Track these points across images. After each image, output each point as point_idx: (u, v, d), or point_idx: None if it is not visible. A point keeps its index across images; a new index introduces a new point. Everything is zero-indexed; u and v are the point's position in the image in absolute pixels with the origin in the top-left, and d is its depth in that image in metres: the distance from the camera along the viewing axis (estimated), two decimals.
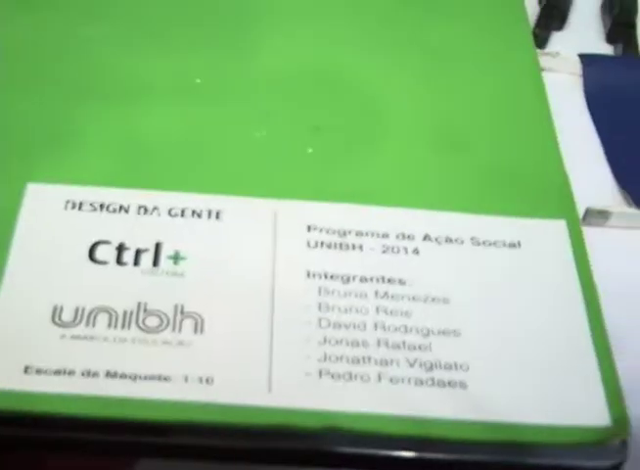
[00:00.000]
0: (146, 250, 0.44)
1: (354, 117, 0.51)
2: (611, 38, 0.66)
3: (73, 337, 0.41)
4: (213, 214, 0.46)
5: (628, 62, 0.63)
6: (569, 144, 0.54)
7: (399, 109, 0.51)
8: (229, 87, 0.51)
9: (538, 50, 0.62)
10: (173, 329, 0.42)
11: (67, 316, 0.41)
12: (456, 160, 0.49)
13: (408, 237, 0.46)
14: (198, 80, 0.51)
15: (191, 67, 0.52)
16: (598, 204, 0.55)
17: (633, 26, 0.66)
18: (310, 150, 0.49)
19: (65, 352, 0.40)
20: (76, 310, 0.42)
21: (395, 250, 0.45)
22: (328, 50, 0.54)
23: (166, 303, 0.42)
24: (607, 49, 0.66)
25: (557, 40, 0.66)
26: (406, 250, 0.45)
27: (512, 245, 0.46)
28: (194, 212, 0.46)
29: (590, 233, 0.50)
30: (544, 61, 0.62)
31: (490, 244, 0.46)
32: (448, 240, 0.46)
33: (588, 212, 0.54)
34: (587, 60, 0.63)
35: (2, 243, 0.43)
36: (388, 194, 0.47)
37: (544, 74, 0.60)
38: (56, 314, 0.41)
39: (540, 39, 0.65)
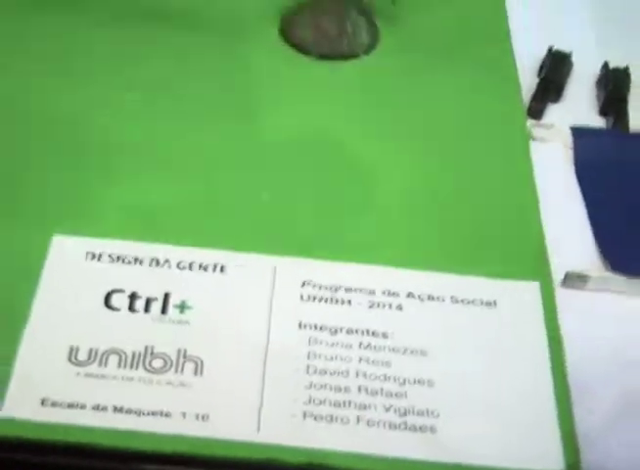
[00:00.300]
0: (155, 299, 0.49)
1: (349, 184, 0.56)
2: (603, 111, 0.70)
3: (87, 375, 0.46)
4: (218, 268, 0.51)
5: (616, 135, 0.68)
6: (556, 209, 0.59)
7: (390, 176, 0.56)
8: (237, 156, 0.57)
9: (534, 121, 0.67)
10: (176, 371, 0.47)
11: (82, 356, 0.47)
12: (440, 224, 0.54)
13: (393, 294, 0.51)
14: (208, 151, 0.57)
15: (204, 139, 0.58)
16: (578, 267, 0.59)
17: (624, 101, 0.70)
18: (308, 212, 0.54)
19: (78, 387, 0.46)
20: (90, 351, 0.47)
21: (381, 305, 0.50)
22: (327, 124, 0.59)
23: (171, 347, 0.47)
24: (599, 121, 0.70)
25: (553, 111, 0.71)
26: (391, 306, 0.50)
27: (488, 303, 0.51)
28: (201, 266, 0.51)
29: (570, 295, 0.55)
30: (539, 131, 0.67)
31: (469, 302, 0.51)
32: (430, 298, 0.51)
33: (568, 276, 0.58)
34: (578, 132, 0.67)
35: (29, 288, 0.49)
36: (377, 253, 0.52)
37: (538, 144, 0.65)
38: (72, 354, 0.47)
39: (536, 111, 0.69)
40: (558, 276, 0.56)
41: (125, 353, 0.47)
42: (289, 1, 0.67)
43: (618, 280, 0.58)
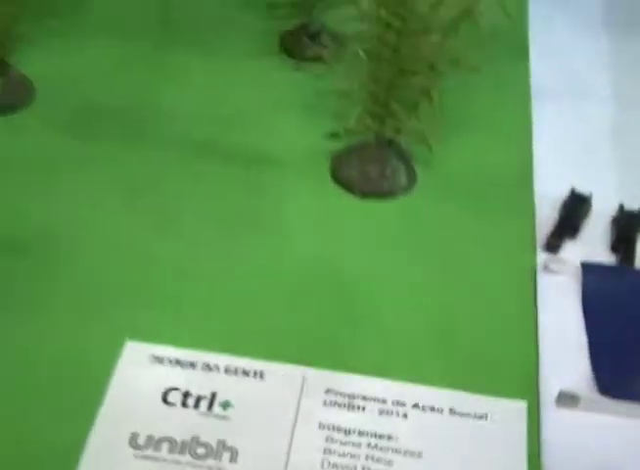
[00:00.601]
0: (205, 397, 0.61)
1: (366, 309, 0.67)
2: (614, 248, 0.80)
3: (143, 457, 0.57)
4: (258, 374, 0.62)
5: (621, 272, 0.77)
6: (560, 335, 0.68)
7: (405, 305, 0.67)
8: (273, 276, 0.69)
9: (550, 255, 0.77)
10: (215, 458, 0.57)
11: (140, 441, 0.58)
12: (444, 346, 0.65)
13: (401, 404, 0.61)
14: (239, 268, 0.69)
15: (249, 263, 0.70)
16: (573, 389, 0.68)
17: (633, 240, 0.80)
18: (332, 333, 0.65)
19: (136, 467, 0.57)
20: (148, 438, 0.58)
21: (389, 413, 0.60)
22: (356, 252, 0.71)
23: (213, 438, 0.58)
24: (610, 256, 0.79)
25: (569, 246, 0.80)
26: (398, 413, 0.60)
27: (480, 417, 0.61)
28: (244, 371, 0.62)
29: (562, 413, 0.64)
30: (553, 265, 0.77)
31: (464, 415, 0.61)
32: (431, 409, 0.61)
33: (560, 395, 0.67)
34: (587, 267, 0.77)
35: (102, 383, 0.61)
36: (390, 369, 0.63)
37: (552, 276, 0.74)
38: (133, 439, 0.58)
39: (553, 246, 0.79)
40: (554, 395, 0.65)
41: (176, 441, 0.58)
42: (339, 144, 0.79)
43: (608, 402, 0.67)
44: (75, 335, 0.64)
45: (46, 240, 0.71)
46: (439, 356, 0.64)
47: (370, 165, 0.78)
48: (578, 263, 0.78)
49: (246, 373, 0.62)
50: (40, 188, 0.76)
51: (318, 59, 0.86)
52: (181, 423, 0.59)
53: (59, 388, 0.61)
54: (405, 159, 0.79)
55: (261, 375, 0.62)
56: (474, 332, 0.66)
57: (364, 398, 0.61)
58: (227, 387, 0.61)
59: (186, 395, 0.61)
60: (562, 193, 0.81)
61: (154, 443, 0.58)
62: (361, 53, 0.73)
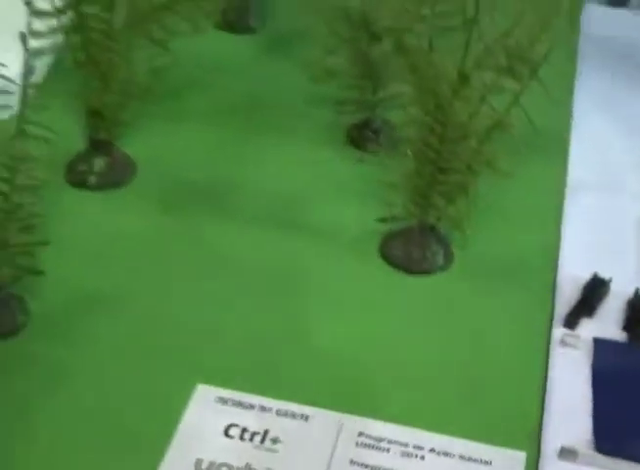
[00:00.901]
0: (258, 433, 0.74)
1: (394, 365, 0.81)
2: (626, 328, 0.91)
3: None
4: (303, 417, 0.75)
5: (631, 349, 0.88)
6: (568, 398, 0.80)
7: (427, 360, 0.81)
8: (313, 338, 0.83)
9: (567, 330, 0.88)
10: None
11: (204, 466, 0.72)
12: (462, 400, 0.78)
13: (420, 448, 0.74)
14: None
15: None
16: (575, 444, 0.79)
17: None
18: (367, 384, 0.78)
19: None
20: (210, 463, 0.72)
21: (409, 455, 0.73)
22: (393, 325, 0.85)
23: (263, 467, 0.72)
24: (622, 335, 0.90)
25: (586, 323, 0.91)
26: (417, 456, 0.73)
27: (486, 462, 0.73)
28: (292, 414, 0.76)
29: (563, 466, 0.76)
30: (569, 340, 0.88)
31: (472, 459, 0.73)
32: (445, 454, 0.74)
33: (562, 450, 0.79)
34: (599, 343, 0.88)
35: (176, 418, 0.75)
36: (413, 417, 0.76)
37: (566, 348, 0.86)
38: (198, 464, 0.72)
39: (571, 323, 0.91)
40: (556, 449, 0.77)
41: (233, 467, 0.72)
42: (388, 227, 0.93)
43: (605, 459, 0.78)
44: (157, 376, 0.78)
45: (132, 293, 0.86)
46: (457, 409, 0.78)
47: (413, 247, 0.91)
48: (592, 339, 0.89)
49: (293, 415, 0.76)
50: (131, 255, 0.90)
51: (376, 152, 1.01)
52: (238, 453, 0.72)
53: (139, 420, 0.75)
54: (444, 242, 0.92)
55: (306, 418, 0.75)
56: (489, 389, 0.79)
57: (389, 441, 0.74)
58: (277, 426, 0.75)
59: (244, 430, 0.74)
60: (584, 276, 0.93)
61: (215, 467, 0.72)
62: (409, 152, 0.87)
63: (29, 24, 0.77)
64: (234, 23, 1.23)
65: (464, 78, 0.83)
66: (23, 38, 0.75)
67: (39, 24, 0.79)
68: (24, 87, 0.76)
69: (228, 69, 1.15)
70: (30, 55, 0.76)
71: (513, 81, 0.82)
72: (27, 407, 0.75)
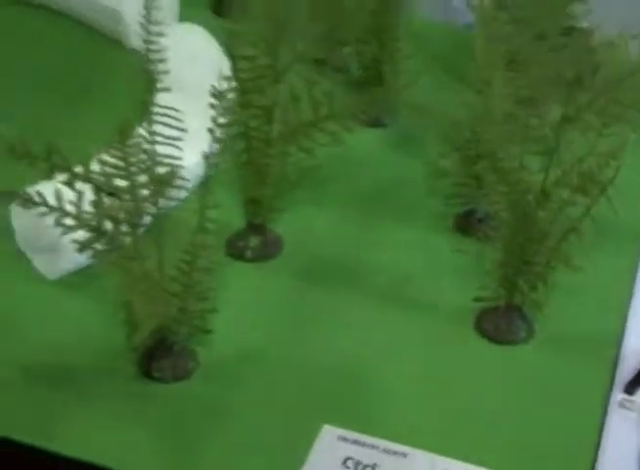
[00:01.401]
0: (369, 466, 0.97)
1: (472, 417, 1.02)
2: None
3: None
4: (402, 455, 0.98)
5: None
6: (618, 457, 1.00)
7: (498, 417, 1.03)
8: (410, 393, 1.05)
9: (626, 395, 1.08)
10: None
11: None
12: (516, 451, 1.00)
13: None
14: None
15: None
16: None
17: None
18: (456, 431, 1.01)
19: None
20: None
21: None
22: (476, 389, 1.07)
23: None
24: None
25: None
26: None
27: None
28: (394, 452, 0.98)
29: None
30: (627, 403, 1.08)
31: None
32: None
33: None
34: None
35: (300, 461, 0.98)
36: (483, 458, 0.98)
37: (624, 412, 1.06)
38: None
39: (631, 390, 1.09)
40: None
41: None
42: (482, 304, 1.15)
43: None
44: (290, 417, 1.02)
45: (277, 346, 1.09)
46: (511, 456, 0.99)
47: (501, 322, 1.13)
48: None
49: (395, 453, 0.98)
50: (277, 315, 1.14)
51: (479, 238, 1.23)
52: None
53: (274, 454, 0.99)
54: (527, 319, 1.14)
55: (404, 455, 0.98)
56: (545, 447, 1.00)
57: None
58: (382, 461, 0.97)
59: (357, 463, 0.97)
60: None
61: None
62: (498, 247, 1.10)
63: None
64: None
65: (546, 194, 1.04)
66: (213, 136, 0.95)
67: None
68: (206, 187, 1.00)
69: (360, 160, 1.38)
70: (209, 155, 0.97)
71: (585, 198, 1.04)
72: (197, 440, 0.99)
